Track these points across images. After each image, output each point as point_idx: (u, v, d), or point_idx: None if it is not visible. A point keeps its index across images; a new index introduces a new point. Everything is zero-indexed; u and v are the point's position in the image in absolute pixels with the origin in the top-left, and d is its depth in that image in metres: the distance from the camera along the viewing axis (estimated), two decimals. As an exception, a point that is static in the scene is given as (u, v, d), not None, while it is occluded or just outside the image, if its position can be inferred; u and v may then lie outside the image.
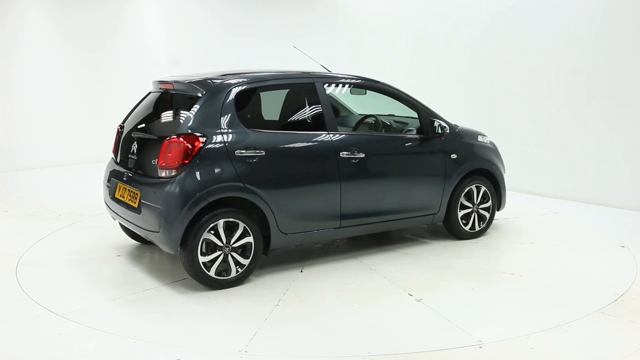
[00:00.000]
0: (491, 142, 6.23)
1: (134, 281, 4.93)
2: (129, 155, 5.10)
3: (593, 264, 5.36)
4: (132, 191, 4.83)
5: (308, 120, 5.24)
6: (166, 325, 4.10)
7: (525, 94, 8.25)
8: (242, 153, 4.64)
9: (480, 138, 6.10)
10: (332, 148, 5.07)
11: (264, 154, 4.72)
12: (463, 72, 8.90)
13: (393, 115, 6.20)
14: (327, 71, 5.88)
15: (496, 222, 6.49)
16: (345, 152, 5.11)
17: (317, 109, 5.20)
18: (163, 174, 4.55)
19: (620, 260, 5.42)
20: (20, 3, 9.88)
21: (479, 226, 6.02)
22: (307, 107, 5.27)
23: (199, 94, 4.73)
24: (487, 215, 6.05)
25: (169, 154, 4.50)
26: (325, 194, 5.06)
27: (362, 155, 5.19)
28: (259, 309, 4.35)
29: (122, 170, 5.14)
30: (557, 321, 4.12)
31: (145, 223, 4.69)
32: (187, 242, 4.49)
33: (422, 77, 9.34)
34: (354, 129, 5.92)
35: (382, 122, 5.96)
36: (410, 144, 5.57)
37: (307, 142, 5.01)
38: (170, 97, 5.15)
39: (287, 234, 4.91)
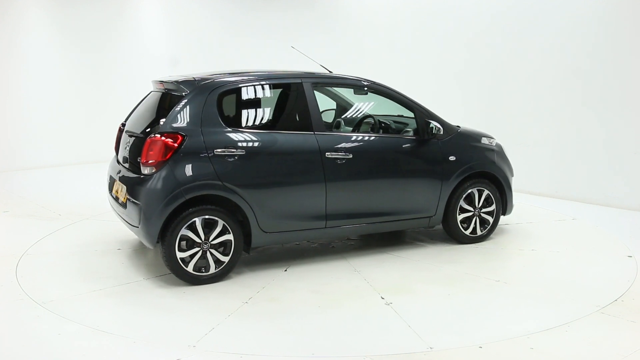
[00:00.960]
0: (497, 145, 6.06)
1: (134, 280, 4.94)
2: (123, 153, 5.27)
3: (593, 264, 5.35)
4: (121, 187, 4.99)
5: (293, 120, 5.23)
6: (166, 325, 4.11)
7: (526, 94, 8.25)
8: (222, 152, 4.72)
9: (484, 140, 5.94)
10: (318, 148, 5.05)
11: (244, 153, 4.79)
12: (463, 72, 8.91)
13: (394, 116, 6.15)
14: (327, 71, 5.88)
15: (506, 227, 6.41)
16: (331, 153, 5.09)
17: (303, 109, 5.16)
18: (145, 171, 4.67)
19: (620, 260, 5.42)
20: (20, 3, 9.88)
21: (481, 230, 5.87)
22: (294, 107, 5.27)
23: (183, 93, 4.85)
24: (491, 219, 5.90)
25: (150, 152, 4.63)
26: (309, 194, 5.05)
27: (349, 155, 5.16)
28: (226, 306, 4.41)
29: (118, 167, 5.29)
30: (557, 321, 4.12)
31: (129, 218, 4.85)
32: (166, 237, 4.61)
33: (422, 77, 9.34)
34: (354, 129, 5.92)
35: (382, 122, 5.89)
36: (404, 144, 5.49)
37: (290, 142, 5.01)
38: (162, 96, 5.22)
39: (268, 232, 4.94)
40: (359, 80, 5.56)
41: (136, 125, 5.24)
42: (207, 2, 11.66)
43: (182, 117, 4.73)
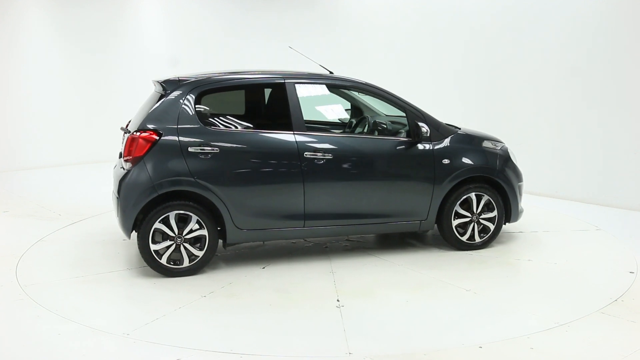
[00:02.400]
0: (503, 149, 5.79)
1: (134, 279, 4.95)
2: (120, 150, 5.42)
3: (593, 264, 5.35)
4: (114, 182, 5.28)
5: (273, 120, 5.28)
6: (166, 325, 4.11)
7: (525, 94, 8.25)
8: (195, 149, 4.87)
9: (486, 143, 5.72)
10: (296, 148, 5.07)
11: (218, 151, 4.90)
12: (463, 72, 8.91)
13: (394, 116, 6.08)
14: (327, 72, 5.87)
15: (517, 235, 6.15)
16: (310, 153, 5.09)
17: (284, 108, 5.19)
18: (125, 167, 4.95)
19: (620, 260, 5.42)
20: (20, 3, 9.88)
21: (480, 237, 5.64)
22: (275, 107, 5.32)
23: (165, 92, 5.05)
24: (492, 226, 5.64)
25: (130, 148, 4.89)
26: (286, 193, 5.09)
27: (329, 156, 5.13)
28: (184, 298, 4.53)
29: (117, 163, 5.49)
30: (557, 321, 4.12)
31: (115, 211, 5.14)
32: (140, 230, 4.85)
33: (422, 77, 9.34)
34: (352, 130, 5.91)
35: (379, 123, 5.80)
36: (391, 146, 5.37)
37: (267, 141, 5.07)
38: (154, 96, 5.33)
39: (244, 230, 5.04)
40: (346, 80, 5.49)
41: (133, 123, 5.35)
42: (207, 3, 11.66)
43: (161, 116, 4.93)
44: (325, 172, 5.14)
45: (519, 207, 5.78)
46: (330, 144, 5.21)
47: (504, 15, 8.37)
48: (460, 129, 5.82)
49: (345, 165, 5.21)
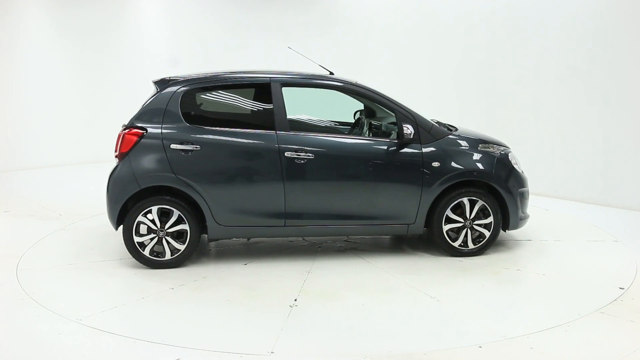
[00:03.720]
0: (503, 153, 5.57)
1: (133, 279, 4.95)
2: None
3: (593, 264, 5.35)
4: None
5: (256, 119, 5.35)
6: (166, 325, 4.12)
7: (525, 94, 8.25)
8: (177, 147, 5.06)
9: (483, 146, 5.52)
10: (277, 147, 5.12)
11: (199, 148, 5.06)
12: (464, 72, 8.91)
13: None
14: (327, 72, 5.88)
15: (523, 243, 5.91)
16: (290, 152, 5.13)
17: (268, 108, 5.26)
18: (115, 163, 5.20)
19: (620, 260, 5.43)
20: (20, 3, 9.88)
21: (474, 244, 5.46)
22: (259, 106, 5.42)
23: (156, 91, 5.28)
24: (487, 233, 5.44)
25: (118, 145, 5.17)
26: (266, 191, 5.15)
27: (310, 156, 5.15)
28: (151, 289, 4.74)
29: None
30: (557, 321, 4.12)
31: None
32: (125, 222, 5.11)
33: (423, 77, 9.35)
34: (351, 131, 5.90)
35: (371, 124, 5.75)
36: (378, 147, 5.28)
37: (248, 140, 5.15)
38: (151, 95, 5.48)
39: (224, 225, 5.17)
40: (335, 81, 5.45)
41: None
42: (207, 3, 11.67)
43: (148, 114, 5.18)
44: (306, 172, 5.17)
45: (520, 214, 5.54)
46: (312, 144, 5.20)
47: (503, 15, 8.37)
48: (457, 129, 5.76)
49: (327, 166, 5.21)
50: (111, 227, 5.30)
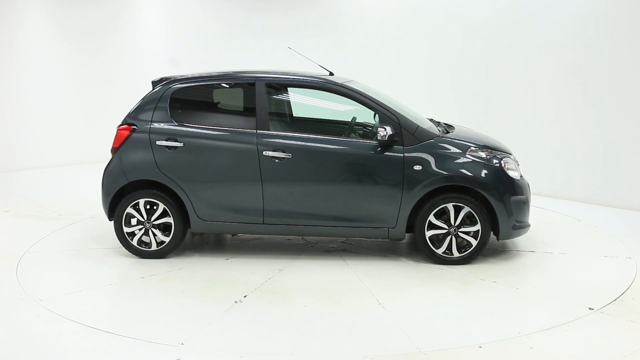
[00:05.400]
0: (492, 158, 5.26)
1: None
2: None
3: (592, 263, 5.35)
4: None
5: (239, 118, 5.47)
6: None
7: (525, 94, 8.25)
8: (162, 143, 5.31)
9: (473, 151, 5.25)
10: (255, 147, 5.21)
11: (182, 145, 5.29)
12: (464, 72, 8.90)
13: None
14: (327, 72, 5.88)
15: (524, 254, 5.55)
16: (268, 152, 5.19)
17: (251, 107, 5.38)
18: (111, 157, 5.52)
19: (619, 260, 5.42)
20: (20, 3, 9.88)
21: (460, 252, 5.23)
22: (243, 106, 5.57)
23: (151, 89, 5.57)
24: (474, 242, 5.19)
25: (113, 140, 5.49)
26: (244, 189, 5.27)
27: (288, 155, 5.18)
28: (124, 276, 5.08)
29: None
30: (557, 321, 4.12)
31: None
32: (115, 213, 5.43)
33: (423, 77, 9.34)
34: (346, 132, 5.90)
35: (360, 125, 5.69)
36: (358, 149, 5.21)
37: (228, 139, 5.29)
38: None
39: (205, 220, 5.36)
40: (316, 81, 5.41)
41: None
42: (207, 3, 11.66)
43: (141, 111, 5.46)
44: (284, 171, 5.22)
45: (513, 223, 5.22)
46: (290, 144, 5.23)
47: (503, 14, 8.37)
48: (455, 129, 5.70)
49: (304, 166, 5.23)
50: (111, 227, 5.36)
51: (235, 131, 5.29)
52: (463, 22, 8.83)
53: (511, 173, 5.30)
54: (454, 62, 8.98)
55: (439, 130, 5.57)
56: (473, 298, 4.64)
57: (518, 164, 5.58)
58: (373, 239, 5.77)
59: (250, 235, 6.03)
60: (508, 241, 5.71)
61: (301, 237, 6.04)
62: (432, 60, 9.27)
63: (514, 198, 5.22)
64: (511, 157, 5.51)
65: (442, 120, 6.30)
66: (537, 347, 3.76)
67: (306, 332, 4.05)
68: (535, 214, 6.98)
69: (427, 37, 9.29)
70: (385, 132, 5.08)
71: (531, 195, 5.59)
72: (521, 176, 5.44)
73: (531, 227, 5.68)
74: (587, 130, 7.67)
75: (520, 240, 5.94)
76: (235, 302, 4.50)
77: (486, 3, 8.53)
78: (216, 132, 5.31)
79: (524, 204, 5.35)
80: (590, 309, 4.36)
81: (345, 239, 6.01)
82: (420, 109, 6.25)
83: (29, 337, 3.97)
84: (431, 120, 5.98)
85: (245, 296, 4.60)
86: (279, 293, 4.70)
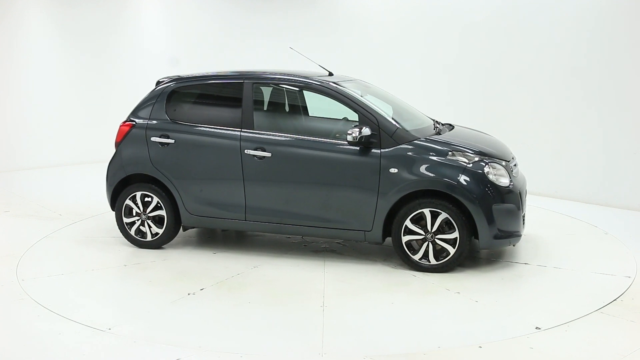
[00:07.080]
0: (474, 164, 4.98)
1: (133, 279, 4.95)
2: None
3: (592, 263, 5.34)
4: None
5: (226, 117, 5.59)
6: (165, 324, 4.12)
7: (525, 94, 8.25)
8: (156, 139, 5.60)
9: (455, 155, 5.02)
10: (238, 145, 5.37)
11: (173, 142, 5.55)
12: (464, 71, 8.90)
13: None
14: (326, 72, 5.89)
15: (520, 266, 5.20)
16: (249, 150, 5.33)
17: (237, 107, 5.51)
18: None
19: (619, 260, 5.42)
20: (20, 3, 9.88)
21: (437, 260, 5.01)
22: (230, 105, 5.66)
23: (154, 89, 5.86)
24: (452, 249, 4.95)
25: (116, 135, 5.86)
26: (227, 186, 5.46)
27: (268, 154, 5.28)
28: (109, 262, 5.37)
29: None
30: (557, 321, 4.12)
31: None
32: (116, 204, 5.78)
33: (423, 76, 9.34)
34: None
35: (340, 128, 5.63)
36: (336, 150, 5.15)
37: (214, 137, 5.49)
38: None
39: (194, 214, 5.59)
40: (300, 80, 5.46)
41: None
42: (207, 3, 11.66)
43: (139, 109, 5.81)
44: (264, 170, 5.33)
45: (495, 232, 4.91)
46: (271, 143, 5.31)
47: (503, 13, 8.36)
48: (452, 129, 5.68)
49: (283, 165, 5.29)
50: (111, 227, 5.47)
51: (221, 129, 5.48)
52: (463, 21, 8.82)
53: (499, 180, 5.01)
54: (454, 62, 8.98)
55: (435, 132, 5.46)
56: (423, 306, 4.43)
57: (512, 170, 5.24)
58: (353, 241, 5.63)
59: (223, 230, 6.30)
60: (505, 251, 5.47)
61: (301, 236, 6.04)
62: (431, 60, 9.27)
63: (497, 206, 4.92)
64: (503, 163, 5.16)
65: (442, 120, 6.30)
66: (537, 347, 3.75)
67: (231, 327, 4.10)
68: (536, 214, 6.99)
69: (427, 37, 9.29)
70: (356, 133, 4.94)
71: (527, 200, 5.30)
72: (512, 184, 5.09)
73: (537, 235, 5.33)
74: (587, 130, 7.67)
75: (516, 263, 5.32)
76: (188, 294, 4.62)
77: (486, 3, 8.53)
78: (204, 130, 5.53)
79: (510, 213, 5.02)
80: (620, 288, 4.62)
81: (343, 240, 5.95)
82: (420, 109, 6.25)
83: (29, 337, 3.97)
84: (435, 121, 5.97)
85: (202, 289, 4.72)
86: (235, 289, 4.77)
